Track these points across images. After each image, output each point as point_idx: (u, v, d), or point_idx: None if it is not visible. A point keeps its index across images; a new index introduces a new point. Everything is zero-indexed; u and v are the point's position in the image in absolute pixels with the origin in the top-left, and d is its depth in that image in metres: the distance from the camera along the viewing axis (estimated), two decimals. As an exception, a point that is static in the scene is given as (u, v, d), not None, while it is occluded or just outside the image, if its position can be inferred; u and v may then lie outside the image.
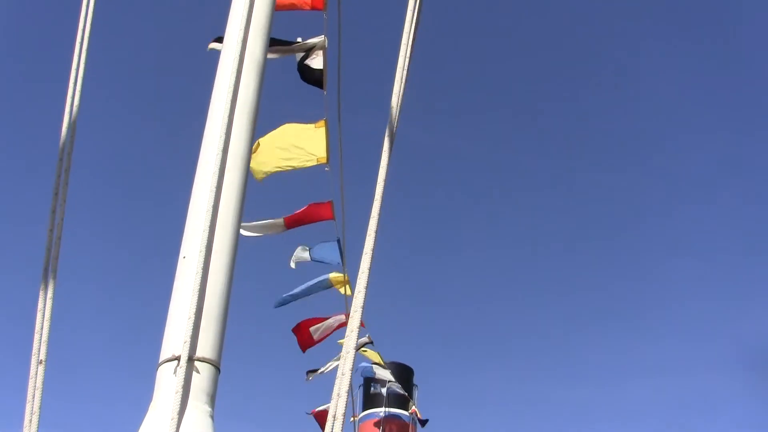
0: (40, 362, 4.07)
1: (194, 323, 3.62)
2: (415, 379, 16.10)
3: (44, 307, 4.21)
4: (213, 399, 3.62)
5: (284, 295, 12.52)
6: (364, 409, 15.53)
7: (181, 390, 3.46)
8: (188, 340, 3.57)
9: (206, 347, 3.64)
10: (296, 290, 12.47)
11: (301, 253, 12.14)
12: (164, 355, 3.65)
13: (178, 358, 3.54)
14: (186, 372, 3.52)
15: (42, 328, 4.15)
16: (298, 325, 13.13)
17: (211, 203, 3.91)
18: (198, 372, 3.58)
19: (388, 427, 14.93)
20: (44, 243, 4.36)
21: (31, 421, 3.98)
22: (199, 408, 3.51)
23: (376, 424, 14.98)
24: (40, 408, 4.00)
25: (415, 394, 15.90)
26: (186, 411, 3.46)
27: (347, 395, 3.77)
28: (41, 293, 4.23)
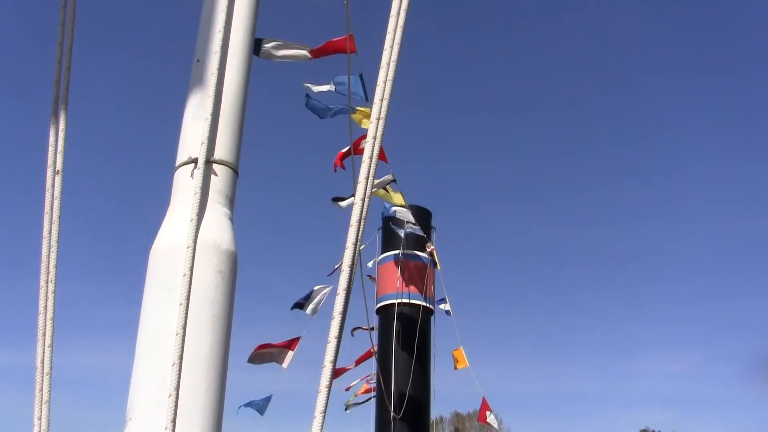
0: (57, 172, 4.03)
1: (210, 126, 3.54)
2: (433, 222, 16.26)
3: (58, 118, 4.12)
4: (232, 202, 3.58)
5: (314, 102, 12.29)
6: (383, 251, 15.69)
7: (198, 192, 3.41)
8: (205, 142, 3.49)
9: (223, 150, 3.57)
10: (327, 106, 12.29)
11: (324, 86, 11.90)
12: (180, 158, 3.59)
13: (194, 161, 3.48)
14: (203, 174, 3.46)
15: (57, 139, 4.08)
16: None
17: (225, 4, 3.75)
18: (216, 174, 3.52)
19: (407, 267, 15.15)
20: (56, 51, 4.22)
21: (50, 231, 3.98)
22: (217, 210, 3.48)
23: (395, 265, 15.20)
24: (59, 218, 3.98)
25: (433, 236, 16.04)
26: (204, 213, 3.42)
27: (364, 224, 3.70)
28: (54, 102, 4.14)
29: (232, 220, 3.54)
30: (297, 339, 14.50)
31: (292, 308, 14.91)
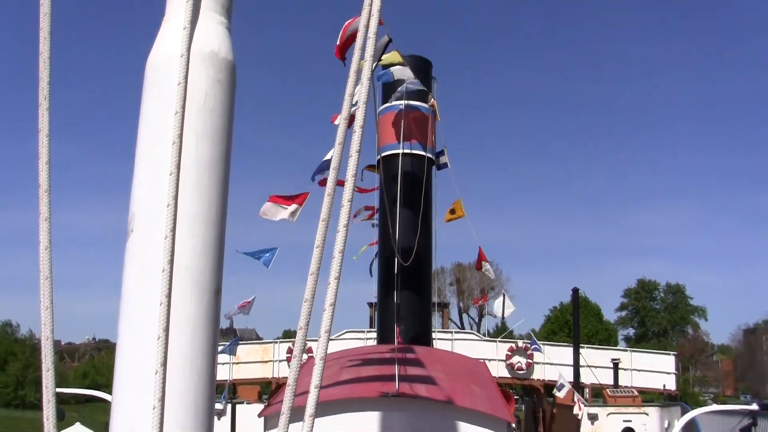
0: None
1: None
2: (434, 72, 15.98)
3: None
4: (229, 11, 3.46)
5: None
6: (383, 102, 15.45)
7: None
8: None
9: None
10: None
11: None
12: None
13: None
14: None
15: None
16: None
17: None
18: None
19: (408, 118, 15.01)
20: None
21: (44, 64, 3.87)
22: (213, 18, 3.36)
23: (396, 116, 15.06)
24: (50, 34, 3.86)
25: (434, 87, 15.80)
26: (199, 21, 3.31)
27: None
28: None
29: (230, 30, 3.43)
30: (305, 194, 14.56)
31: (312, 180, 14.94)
